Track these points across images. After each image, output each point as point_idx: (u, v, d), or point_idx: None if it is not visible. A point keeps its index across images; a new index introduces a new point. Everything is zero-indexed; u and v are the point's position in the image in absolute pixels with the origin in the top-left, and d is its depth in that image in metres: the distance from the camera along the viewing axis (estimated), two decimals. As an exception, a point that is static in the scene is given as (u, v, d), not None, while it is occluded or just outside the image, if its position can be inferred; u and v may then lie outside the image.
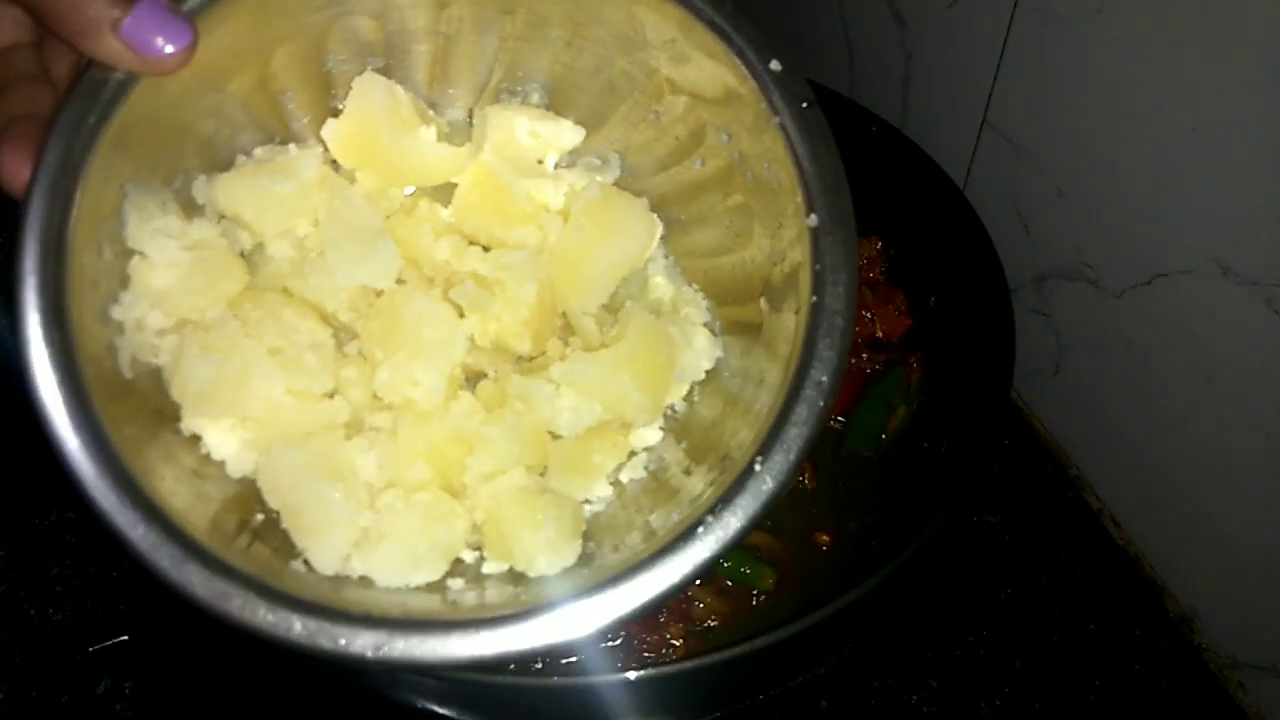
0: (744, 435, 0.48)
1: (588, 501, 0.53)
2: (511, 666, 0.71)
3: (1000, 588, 0.88)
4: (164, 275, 0.47)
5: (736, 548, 0.45)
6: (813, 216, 0.48)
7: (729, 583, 0.76)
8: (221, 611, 0.41)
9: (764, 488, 0.45)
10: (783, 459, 0.45)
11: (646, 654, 0.73)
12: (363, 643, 0.41)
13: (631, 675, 0.62)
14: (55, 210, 0.42)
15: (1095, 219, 0.86)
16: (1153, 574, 0.91)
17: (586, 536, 0.50)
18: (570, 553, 0.48)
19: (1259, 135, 0.68)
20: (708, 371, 0.55)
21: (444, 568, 0.48)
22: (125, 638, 0.81)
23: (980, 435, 0.76)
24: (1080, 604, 0.88)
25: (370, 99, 0.53)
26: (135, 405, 0.46)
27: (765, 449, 0.45)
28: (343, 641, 0.41)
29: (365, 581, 0.47)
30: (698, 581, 0.75)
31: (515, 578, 0.48)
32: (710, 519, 0.44)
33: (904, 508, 0.77)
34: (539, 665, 0.72)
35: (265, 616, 0.41)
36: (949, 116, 1.00)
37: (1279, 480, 0.77)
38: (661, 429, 0.55)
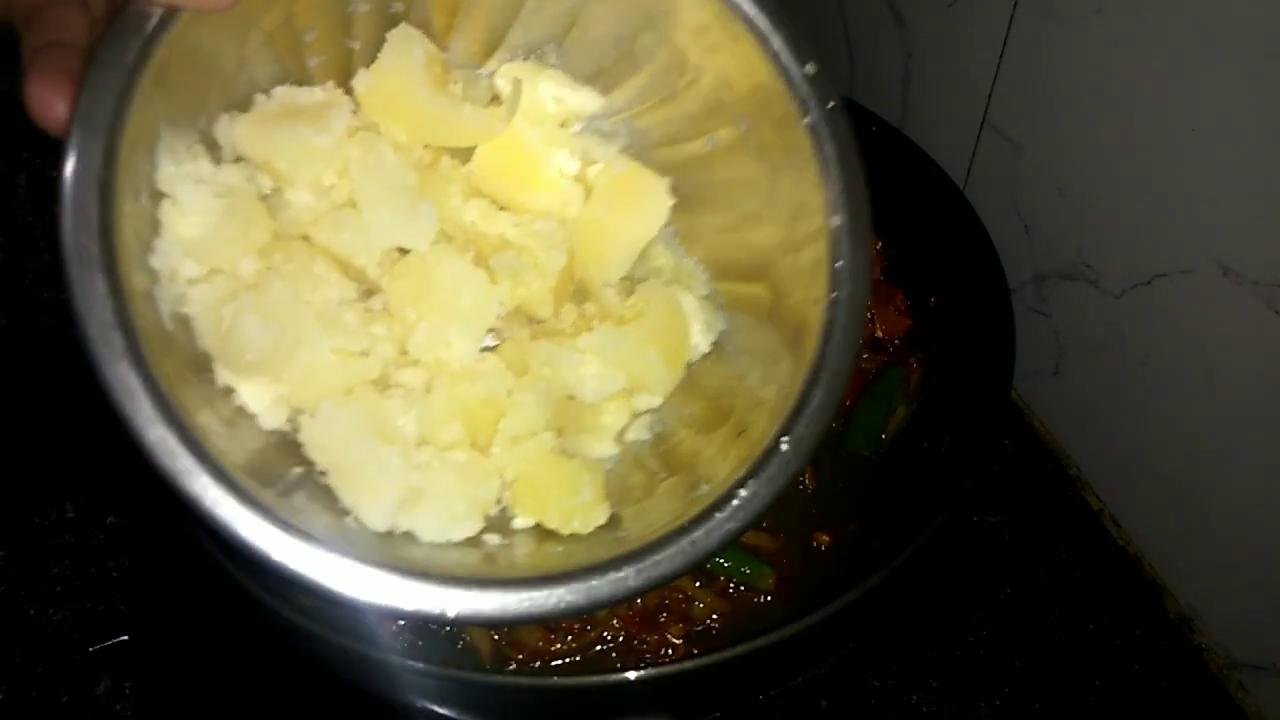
0: (760, 412, 0.51)
1: (597, 460, 0.55)
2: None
3: (1000, 588, 0.88)
4: (195, 222, 0.47)
5: (760, 521, 0.47)
6: (836, 218, 0.50)
7: (729, 583, 0.76)
8: (299, 577, 0.42)
9: (789, 463, 0.47)
10: (805, 436, 0.48)
11: (646, 654, 0.73)
12: (432, 601, 0.43)
13: (631, 675, 0.62)
14: (99, 152, 0.40)
15: (1095, 219, 0.86)
16: (1153, 574, 0.91)
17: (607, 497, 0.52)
18: (601, 513, 0.50)
19: (1259, 135, 0.68)
20: (713, 344, 0.57)
21: (481, 524, 0.50)
22: (125, 638, 0.81)
23: (980, 435, 0.76)
24: (1080, 604, 0.88)
25: (405, 54, 0.52)
26: (179, 359, 0.45)
27: (788, 429, 0.48)
28: (416, 600, 0.42)
29: (409, 537, 0.48)
30: (698, 578, 0.76)
31: (543, 534, 0.50)
32: (739, 491, 0.47)
33: (904, 508, 0.77)
34: (540, 663, 0.72)
35: (340, 578, 0.42)
36: (949, 116, 1.00)
37: (1279, 481, 0.77)
38: (663, 393, 0.57)
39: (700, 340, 0.57)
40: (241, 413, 0.48)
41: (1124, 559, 0.92)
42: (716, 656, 0.63)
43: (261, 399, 0.48)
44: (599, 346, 0.53)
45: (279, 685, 0.79)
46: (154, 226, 0.46)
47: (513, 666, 0.72)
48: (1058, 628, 0.86)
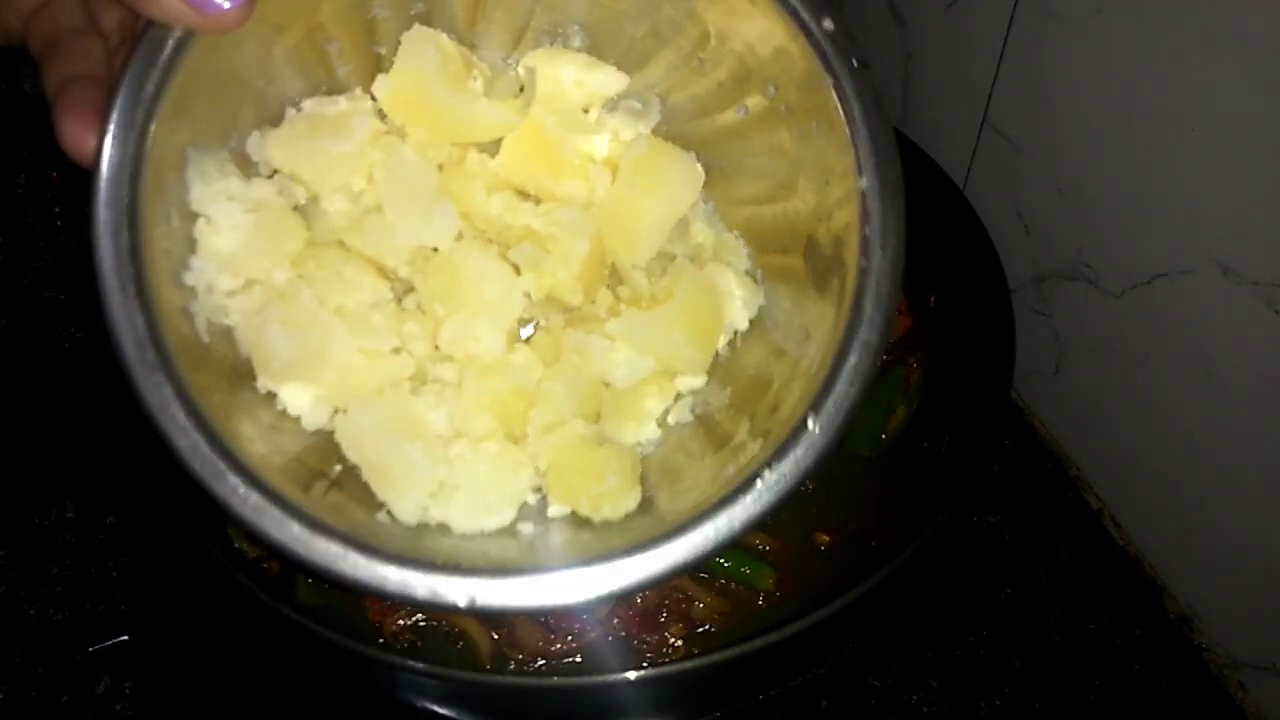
0: (792, 388, 0.50)
1: (638, 444, 0.55)
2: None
3: (1000, 588, 0.88)
4: (228, 237, 0.48)
5: (788, 502, 0.47)
6: (863, 180, 0.49)
7: (729, 582, 0.76)
8: (324, 569, 0.43)
9: (816, 443, 0.47)
10: (834, 413, 0.47)
11: (646, 654, 0.73)
12: (456, 591, 0.43)
13: (631, 675, 0.62)
14: (126, 182, 0.42)
15: (1095, 219, 0.86)
16: (1153, 574, 0.91)
17: (643, 481, 0.52)
18: (631, 499, 0.50)
19: (1259, 135, 0.68)
20: (751, 320, 0.57)
21: (514, 513, 0.51)
22: (125, 638, 0.81)
23: (980, 435, 0.76)
24: (1080, 604, 0.88)
25: (420, 55, 0.53)
26: (215, 369, 0.47)
27: (816, 406, 0.47)
28: (437, 590, 0.43)
29: (443, 529, 0.49)
30: (703, 573, 0.76)
31: (579, 521, 0.51)
32: (763, 474, 0.46)
33: (904, 508, 0.77)
34: (540, 663, 0.72)
35: (365, 571, 0.43)
36: (949, 116, 1.00)
37: (1279, 480, 0.77)
38: (705, 373, 0.57)
39: (739, 317, 0.57)
40: (285, 416, 0.50)
41: (1124, 559, 0.92)
42: (716, 656, 0.63)
43: (301, 401, 0.50)
44: (625, 331, 0.53)
45: (279, 685, 0.79)
46: (189, 245, 0.48)
47: (512, 666, 0.72)
48: (1058, 628, 0.86)
